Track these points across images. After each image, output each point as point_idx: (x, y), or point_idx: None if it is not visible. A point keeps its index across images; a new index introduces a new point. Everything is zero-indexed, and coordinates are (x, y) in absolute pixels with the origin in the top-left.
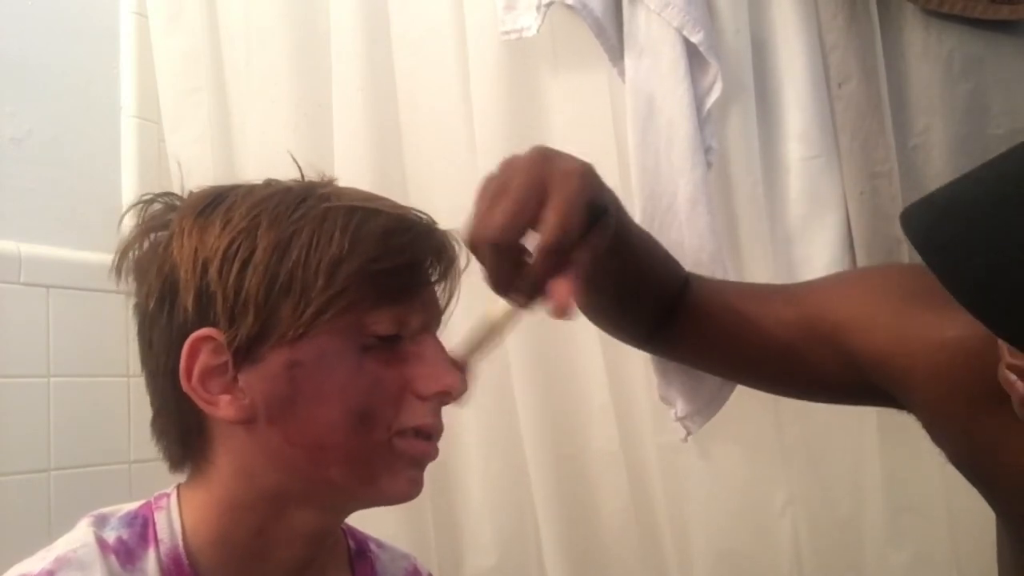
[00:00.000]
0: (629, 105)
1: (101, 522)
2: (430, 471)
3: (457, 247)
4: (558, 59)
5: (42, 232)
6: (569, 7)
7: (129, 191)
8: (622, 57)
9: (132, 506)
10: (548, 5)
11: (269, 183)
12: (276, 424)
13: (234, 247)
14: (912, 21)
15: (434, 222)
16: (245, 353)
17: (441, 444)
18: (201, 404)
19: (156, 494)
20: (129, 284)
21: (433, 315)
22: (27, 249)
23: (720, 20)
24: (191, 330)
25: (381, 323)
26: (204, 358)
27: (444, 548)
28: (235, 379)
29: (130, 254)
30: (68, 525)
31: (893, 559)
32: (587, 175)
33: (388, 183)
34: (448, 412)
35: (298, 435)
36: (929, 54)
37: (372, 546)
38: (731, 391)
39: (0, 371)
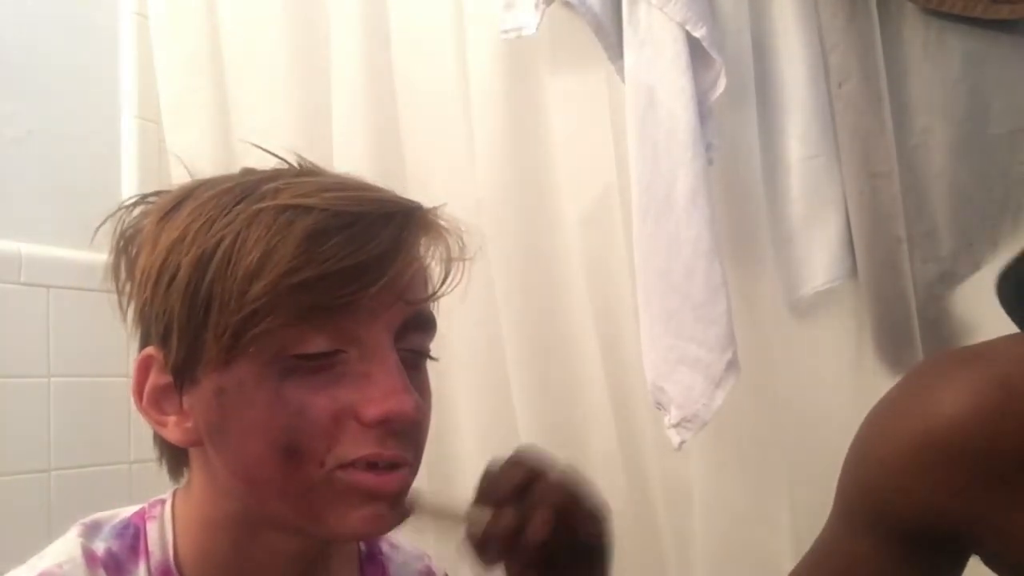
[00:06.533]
0: (628, 96)
1: (92, 531)
2: (429, 471)
3: (441, 231)
4: (557, 58)
5: (42, 232)
6: (568, 5)
7: (129, 191)
8: (621, 55)
9: (126, 513)
10: (547, 3)
11: (236, 175)
12: (216, 451)
13: (166, 262)
14: (912, 21)
15: (402, 207)
16: (184, 375)
17: (440, 444)
18: (152, 424)
19: (151, 500)
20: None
21: (391, 323)
22: (27, 249)
23: (721, 19)
24: (141, 347)
25: (308, 342)
26: (153, 378)
27: (443, 548)
28: (181, 401)
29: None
30: (68, 525)
31: None
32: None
33: (388, 183)
34: (446, 412)
35: (234, 466)
36: (929, 54)
37: (384, 547)
38: (722, 396)
39: (0, 371)
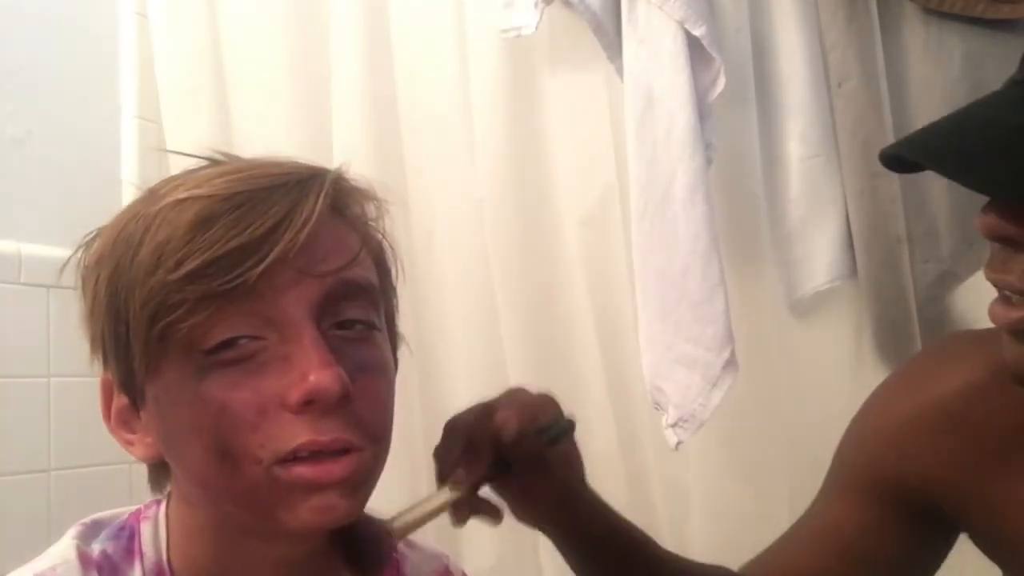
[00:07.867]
0: (627, 95)
1: (90, 533)
2: (429, 471)
3: (356, 195)
4: (556, 57)
5: (42, 232)
6: (567, 4)
7: (129, 191)
8: (620, 54)
9: (124, 514)
10: (547, 2)
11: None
12: (171, 461)
13: (95, 286)
14: (912, 20)
15: (297, 175)
16: (133, 391)
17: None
18: (122, 445)
19: (147, 502)
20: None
21: (307, 298)
22: (27, 249)
23: (721, 19)
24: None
25: (212, 334)
26: (116, 400)
27: (443, 549)
28: (140, 417)
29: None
30: (68, 525)
31: None
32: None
33: (388, 182)
34: (445, 411)
35: (186, 473)
36: (929, 53)
37: (401, 546)
38: (720, 396)
39: (0, 371)
